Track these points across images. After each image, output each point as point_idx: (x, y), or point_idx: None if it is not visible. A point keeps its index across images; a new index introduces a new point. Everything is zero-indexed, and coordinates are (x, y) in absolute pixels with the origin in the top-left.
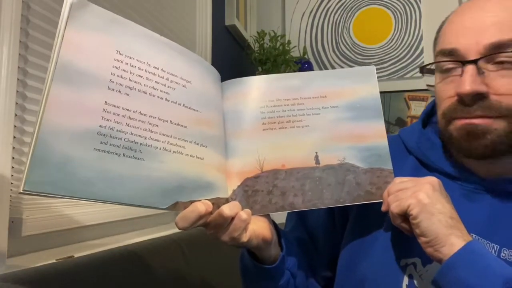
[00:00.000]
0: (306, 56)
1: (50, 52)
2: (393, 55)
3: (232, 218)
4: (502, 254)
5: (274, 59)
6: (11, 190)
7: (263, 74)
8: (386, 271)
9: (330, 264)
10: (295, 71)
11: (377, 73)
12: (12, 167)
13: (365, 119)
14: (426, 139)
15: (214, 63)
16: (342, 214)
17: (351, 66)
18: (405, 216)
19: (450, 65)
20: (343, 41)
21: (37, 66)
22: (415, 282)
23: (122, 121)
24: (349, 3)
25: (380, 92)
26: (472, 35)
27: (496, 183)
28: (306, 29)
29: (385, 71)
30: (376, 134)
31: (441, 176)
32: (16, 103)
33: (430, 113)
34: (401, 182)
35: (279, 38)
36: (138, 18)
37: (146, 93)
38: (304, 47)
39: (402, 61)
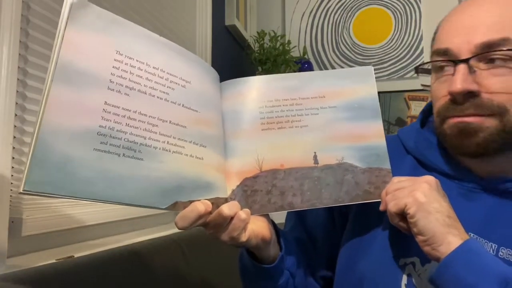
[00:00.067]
0: (306, 56)
1: (50, 52)
2: (393, 55)
3: (232, 218)
4: (500, 253)
5: (274, 59)
6: (11, 190)
7: (263, 74)
8: (385, 270)
9: (329, 264)
10: (295, 71)
11: (377, 73)
12: (12, 167)
13: (364, 119)
14: (424, 139)
15: (214, 63)
16: (341, 213)
17: (351, 66)
18: (402, 215)
19: (444, 65)
20: (343, 41)
21: (37, 66)
22: (414, 281)
23: (122, 121)
24: (349, 3)
25: (380, 92)
26: (464, 35)
27: (493, 182)
28: (306, 29)
29: (385, 71)
30: (374, 134)
31: (439, 176)
32: (16, 103)
33: (428, 112)
34: (399, 182)
35: (279, 38)
36: (138, 18)
37: (145, 93)
38: (304, 47)
39: (402, 61)
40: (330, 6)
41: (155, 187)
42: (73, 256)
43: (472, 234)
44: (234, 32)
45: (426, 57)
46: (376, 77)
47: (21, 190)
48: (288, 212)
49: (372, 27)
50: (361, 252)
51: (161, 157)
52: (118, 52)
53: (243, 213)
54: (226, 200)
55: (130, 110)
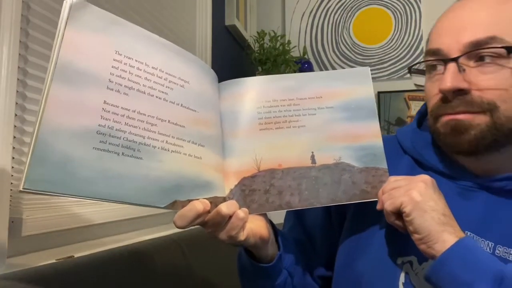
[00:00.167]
0: (306, 56)
1: (50, 52)
2: (393, 55)
3: (230, 217)
4: (497, 251)
5: (274, 59)
6: (11, 190)
7: (263, 74)
8: (382, 269)
9: (328, 264)
10: (295, 71)
11: (377, 73)
12: (12, 167)
13: (360, 119)
14: (421, 138)
15: (214, 63)
16: (339, 213)
17: (351, 66)
18: (399, 213)
19: (435, 64)
20: (343, 41)
21: (37, 66)
22: (412, 280)
23: (121, 120)
24: (349, 3)
25: (380, 92)
26: (454, 34)
27: (489, 180)
28: (306, 29)
29: (385, 71)
30: (371, 134)
31: (435, 175)
32: (16, 103)
33: (425, 112)
34: (395, 181)
35: (279, 38)
36: (138, 18)
37: (144, 93)
38: (304, 47)
39: (402, 61)
40: (330, 6)
41: (154, 186)
42: (73, 256)
43: (468, 233)
44: (234, 32)
45: None
46: (376, 77)
47: (20, 188)
48: (287, 213)
49: (372, 27)
50: (359, 251)
51: (160, 156)
52: (117, 52)
53: (241, 212)
54: (224, 199)
55: (129, 110)
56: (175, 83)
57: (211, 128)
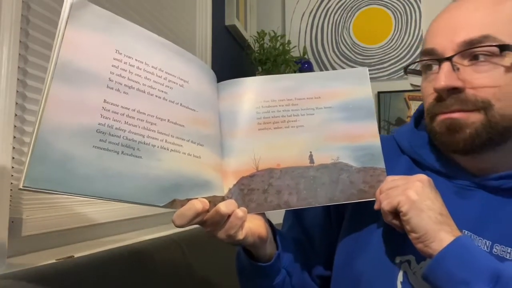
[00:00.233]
0: (306, 56)
1: (50, 52)
2: (393, 55)
3: (229, 216)
4: (494, 250)
5: (274, 59)
6: (11, 190)
7: (263, 74)
8: (381, 268)
9: (327, 263)
10: (295, 71)
11: (377, 73)
12: (12, 167)
13: (358, 119)
14: (418, 138)
15: (214, 63)
16: (337, 212)
17: (351, 66)
18: (396, 213)
19: (430, 63)
20: (343, 41)
21: (37, 66)
22: (410, 279)
23: (121, 119)
24: (349, 3)
25: (380, 92)
26: (448, 34)
27: (486, 179)
28: (306, 29)
29: (385, 71)
30: (369, 134)
31: (433, 174)
32: (16, 103)
33: (423, 112)
34: (392, 181)
35: (279, 38)
36: (138, 18)
37: (144, 92)
38: (304, 47)
39: (402, 61)
40: (330, 6)
41: (153, 185)
42: (73, 256)
43: (466, 232)
44: (234, 32)
45: None
46: (376, 77)
47: (20, 186)
48: (285, 212)
49: (372, 27)
50: (357, 250)
51: (159, 155)
52: (117, 51)
53: (240, 211)
54: (223, 199)
55: (129, 109)
56: (174, 83)
57: (210, 128)
